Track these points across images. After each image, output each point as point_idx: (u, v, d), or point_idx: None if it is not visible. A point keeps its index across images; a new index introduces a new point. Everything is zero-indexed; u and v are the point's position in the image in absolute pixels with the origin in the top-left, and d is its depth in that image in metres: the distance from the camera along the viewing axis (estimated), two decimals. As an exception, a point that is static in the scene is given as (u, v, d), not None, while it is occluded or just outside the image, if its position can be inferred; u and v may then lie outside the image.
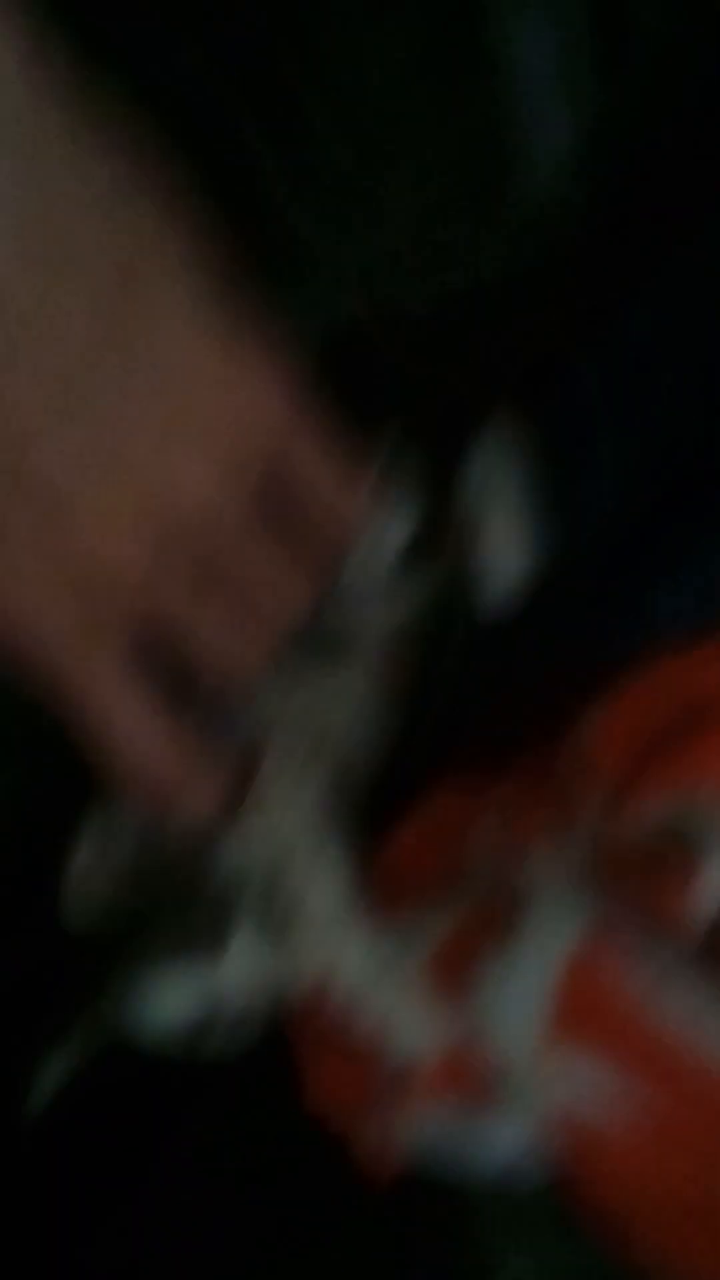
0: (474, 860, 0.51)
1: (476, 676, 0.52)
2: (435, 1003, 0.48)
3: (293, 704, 0.51)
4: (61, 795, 0.50)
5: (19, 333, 0.40)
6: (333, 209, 0.46)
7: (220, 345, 0.42)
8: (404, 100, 0.46)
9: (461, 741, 0.52)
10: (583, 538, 0.51)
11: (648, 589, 0.51)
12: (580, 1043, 0.46)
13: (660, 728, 0.49)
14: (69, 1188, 0.54)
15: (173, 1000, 0.48)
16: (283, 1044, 0.51)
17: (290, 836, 0.49)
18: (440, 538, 0.51)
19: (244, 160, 0.46)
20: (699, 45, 0.49)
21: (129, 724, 0.45)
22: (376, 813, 0.52)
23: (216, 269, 0.42)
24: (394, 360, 0.50)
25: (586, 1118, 0.46)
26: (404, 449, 0.49)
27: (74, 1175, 0.54)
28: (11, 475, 0.41)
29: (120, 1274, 0.54)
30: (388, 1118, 0.49)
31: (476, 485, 0.51)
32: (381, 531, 0.50)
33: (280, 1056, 0.51)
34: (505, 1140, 0.48)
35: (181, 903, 0.49)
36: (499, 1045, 0.47)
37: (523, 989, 0.46)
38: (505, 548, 0.51)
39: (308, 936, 0.49)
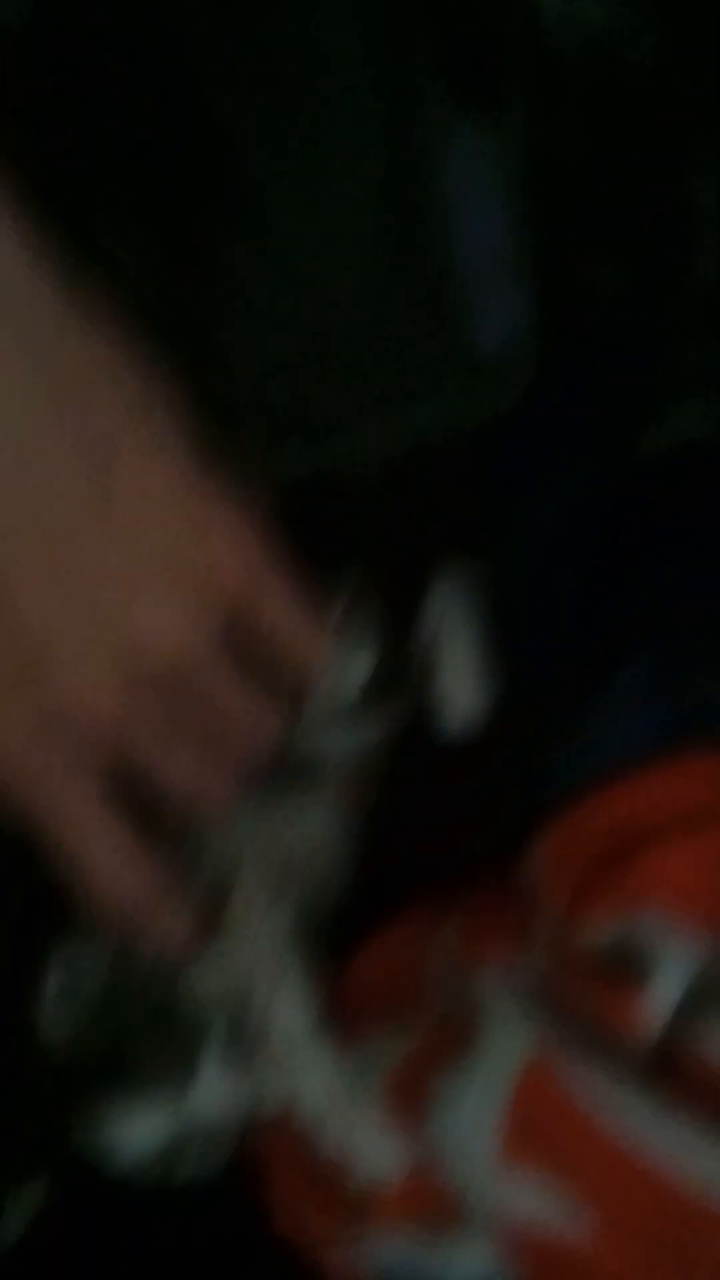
0: (431, 984, 0.52)
1: (430, 803, 0.54)
2: (394, 1124, 0.49)
3: (261, 834, 0.53)
4: (32, 924, 0.52)
5: (5, 494, 0.43)
6: (289, 376, 0.49)
7: (191, 502, 0.45)
8: (354, 275, 0.49)
9: (419, 866, 0.54)
10: (528, 675, 0.53)
11: (592, 723, 0.53)
12: (534, 1158, 0.47)
13: (604, 853, 0.50)
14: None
15: (143, 1130, 0.49)
16: (252, 1167, 0.51)
17: (258, 964, 0.51)
18: (399, 673, 0.53)
19: (198, 331, 0.48)
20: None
21: (102, 856, 0.47)
22: (339, 936, 0.53)
23: (188, 434, 0.45)
24: (352, 510, 0.52)
25: (546, 1233, 0.47)
26: (363, 591, 0.51)
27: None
28: None
29: None
30: (353, 1242, 0.49)
31: (434, 623, 0.54)
32: (343, 668, 0.52)
33: (249, 1179, 0.51)
34: (468, 1261, 0.49)
35: (152, 1030, 0.50)
36: (455, 1166, 0.48)
37: (477, 1107, 0.47)
38: (462, 680, 0.53)
39: (273, 1062, 0.50)
